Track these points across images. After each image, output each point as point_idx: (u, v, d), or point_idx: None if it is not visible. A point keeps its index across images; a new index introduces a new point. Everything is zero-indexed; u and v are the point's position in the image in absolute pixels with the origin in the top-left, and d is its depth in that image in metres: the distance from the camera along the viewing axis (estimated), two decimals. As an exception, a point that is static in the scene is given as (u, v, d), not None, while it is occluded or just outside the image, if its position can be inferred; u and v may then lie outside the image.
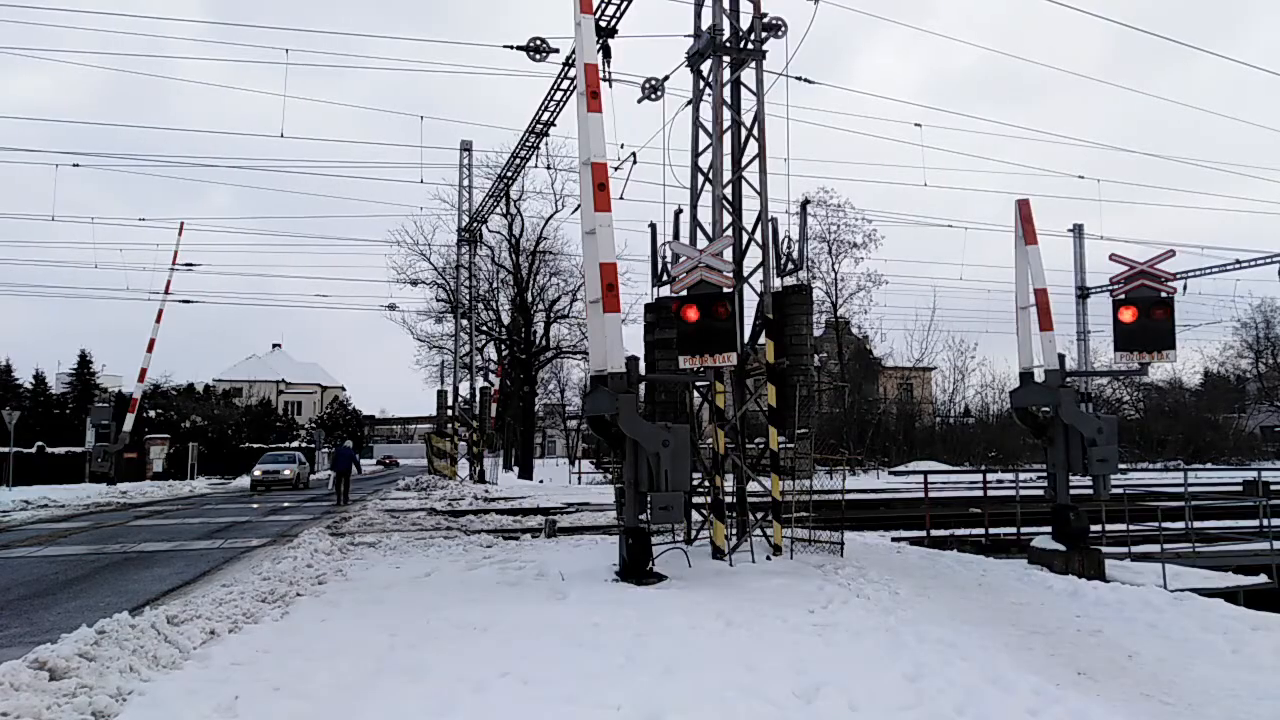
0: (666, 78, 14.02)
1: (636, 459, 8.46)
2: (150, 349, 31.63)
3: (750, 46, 11.11)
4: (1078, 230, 33.14)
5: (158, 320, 31.35)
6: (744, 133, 11.31)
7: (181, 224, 31.19)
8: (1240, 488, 22.46)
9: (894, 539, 13.67)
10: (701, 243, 11.02)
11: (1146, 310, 10.02)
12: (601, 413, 8.48)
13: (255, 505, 23.34)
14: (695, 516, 11.23)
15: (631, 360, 9.39)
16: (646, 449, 8.32)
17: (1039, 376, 11.23)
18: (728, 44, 11.06)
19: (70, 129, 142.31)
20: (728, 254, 9.65)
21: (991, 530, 13.76)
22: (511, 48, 16.72)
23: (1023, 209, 11.91)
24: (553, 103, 20.60)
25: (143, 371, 33.08)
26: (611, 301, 8.61)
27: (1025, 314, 11.63)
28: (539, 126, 22.49)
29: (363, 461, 57.20)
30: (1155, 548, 11.19)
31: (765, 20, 11.15)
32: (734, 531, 10.56)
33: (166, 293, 31.05)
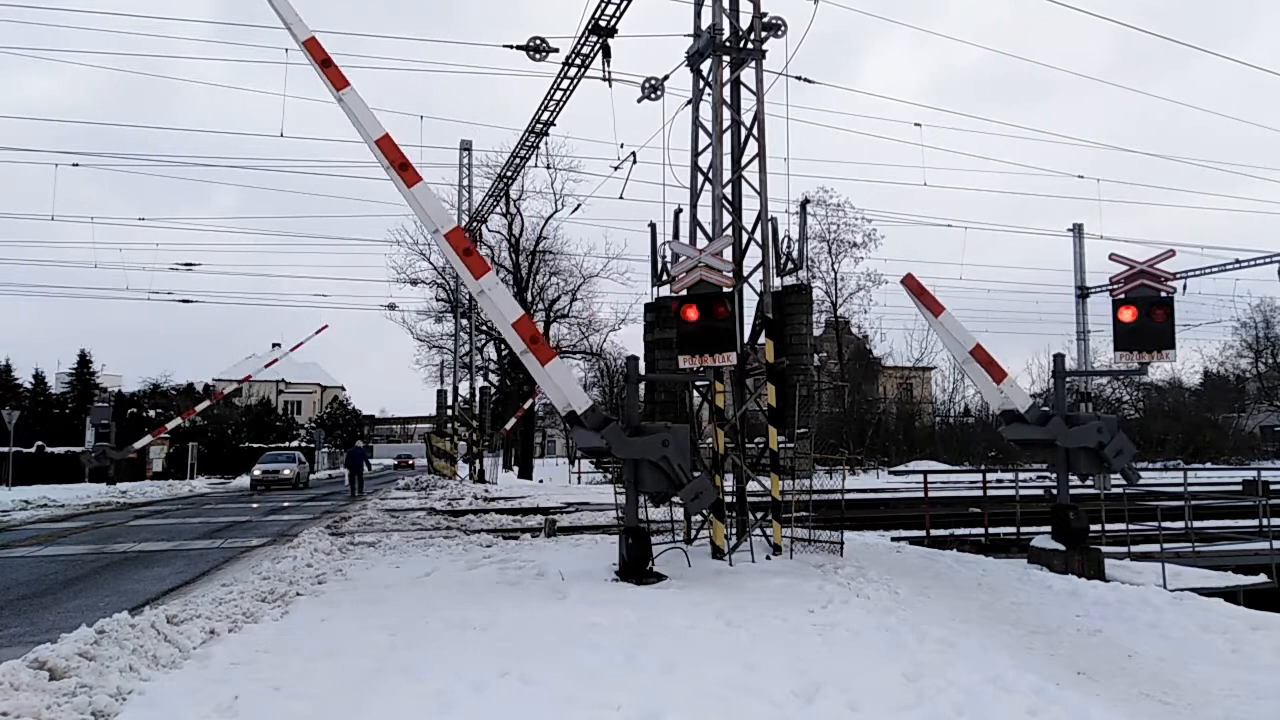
0: (666, 77, 14.02)
1: (638, 462, 8.51)
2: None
3: (750, 46, 11.11)
4: (1077, 230, 33.02)
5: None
6: (744, 132, 11.31)
7: (324, 327, 31.25)
8: (1240, 487, 22.48)
9: (894, 539, 13.66)
10: (701, 242, 11.02)
11: (1146, 310, 10.02)
12: (592, 445, 8.59)
13: (255, 505, 23.35)
14: (695, 516, 11.24)
15: (631, 360, 9.42)
16: (650, 459, 8.39)
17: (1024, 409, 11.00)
18: (727, 44, 11.06)
19: (76, 129, 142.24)
20: (727, 254, 9.66)
21: (991, 530, 13.76)
22: (511, 47, 16.71)
23: (910, 285, 11.44)
24: (552, 102, 20.57)
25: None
26: (543, 352, 8.46)
27: (970, 366, 11.27)
28: (539, 126, 22.47)
29: (378, 461, 58.30)
30: (1155, 547, 11.18)
31: (765, 20, 11.15)
32: (734, 531, 10.56)
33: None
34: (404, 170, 8.39)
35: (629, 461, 8.53)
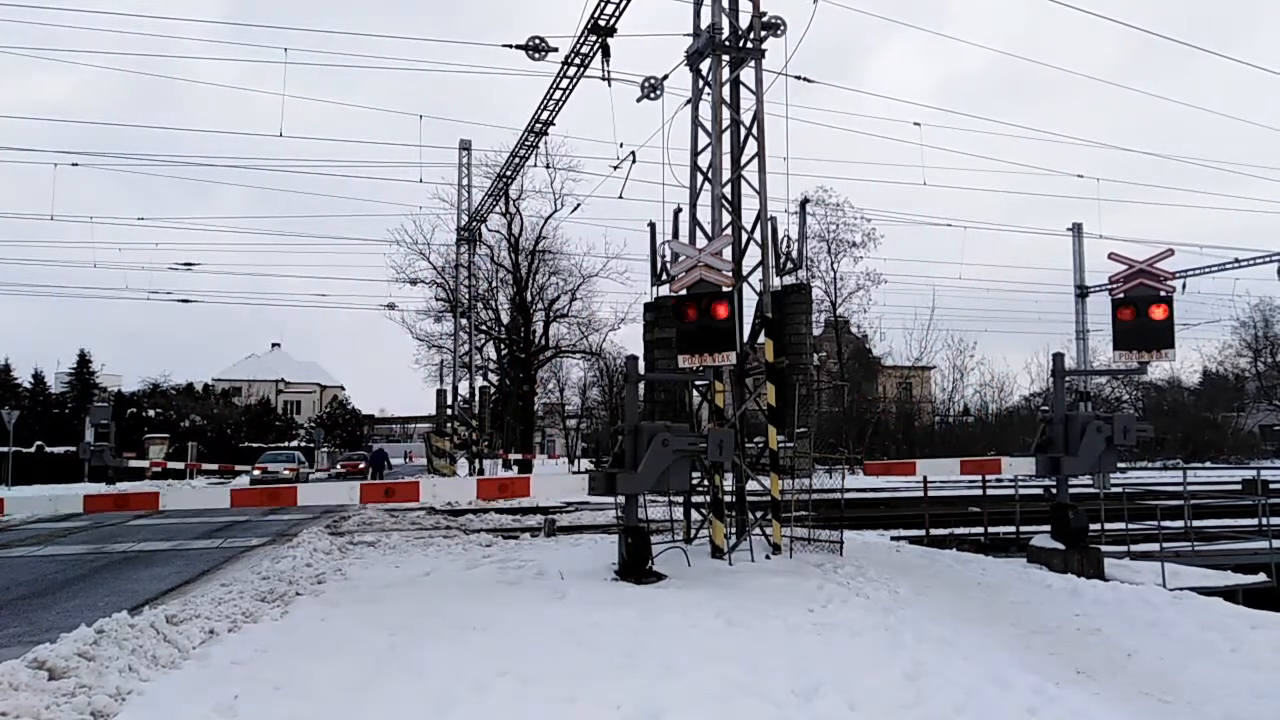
0: (666, 77, 14.00)
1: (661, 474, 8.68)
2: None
3: (749, 45, 11.10)
4: (1077, 229, 32.95)
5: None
6: (743, 132, 11.30)
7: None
8: (1239, 486, 22.48)
9: (893, 538, 13.66)
10: (701, 242, 11.01)
11: (1145, 309, 10.02)
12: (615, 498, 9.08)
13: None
14: (695, 516, 11.24)
15: (631, 360, 9.44)
16: (665, 465, 8.54)
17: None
18: (727, 43, 11.05)
19: (79, 129, 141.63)
20: (727, 253, 9.65)
21: (991, 529, 13.76)
22: (511, 47, 16.69)
23: (873, 471, 14.97)
24: (551, 102, 20.54)
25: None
26: (516, 488, 10.27)
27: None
28: (538, 126, 22.44)
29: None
30: (1154, 546, 11.18)
31: (765, 19, 11.14)
32: (733, 531, 10.56)
33: None
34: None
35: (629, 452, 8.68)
